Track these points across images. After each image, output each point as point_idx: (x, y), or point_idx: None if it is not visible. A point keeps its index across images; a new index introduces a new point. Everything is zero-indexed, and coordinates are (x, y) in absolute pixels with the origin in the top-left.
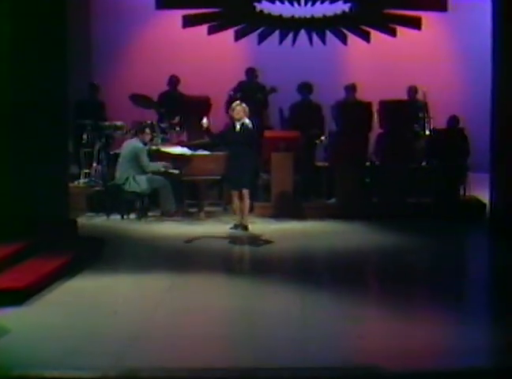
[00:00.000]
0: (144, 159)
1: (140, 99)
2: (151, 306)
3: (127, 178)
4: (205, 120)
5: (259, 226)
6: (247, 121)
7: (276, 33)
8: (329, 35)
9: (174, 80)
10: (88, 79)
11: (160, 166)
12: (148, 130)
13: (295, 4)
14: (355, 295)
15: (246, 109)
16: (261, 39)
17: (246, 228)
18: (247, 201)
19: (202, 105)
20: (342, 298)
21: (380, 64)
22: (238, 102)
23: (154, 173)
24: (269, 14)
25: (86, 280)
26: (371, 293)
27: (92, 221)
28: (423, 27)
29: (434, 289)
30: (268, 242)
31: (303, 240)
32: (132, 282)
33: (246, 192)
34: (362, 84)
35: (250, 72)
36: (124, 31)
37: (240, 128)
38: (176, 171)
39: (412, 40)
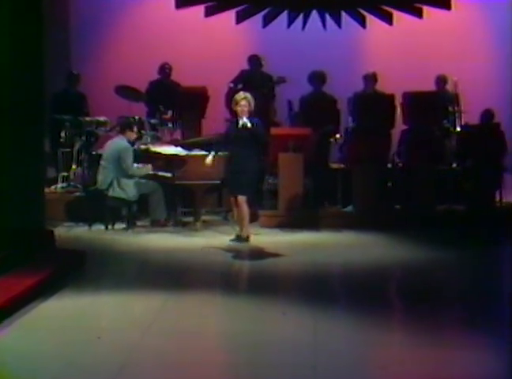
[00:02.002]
0: (128, 160)
1: (126, 91)
2: (139, 330)
3: (111, 183)
4: (208, 158)
5: (264, 237)
6: (246, 120)
7: (284, 15)
8: (345, 16)
9: (166, 69)
10: (66, 68)
11: (145, 170)
12: (135, 127)
13: None
14: (376, 318)
15: (252, 103)
16: (267, 21)
17: (246, 239)
18: (244, 209)
19: (199, 97)
20: (361, 322)
21: (404, 50)
22: (242, 94)
23: (142, 177)
24: None
25: (65, 301)
26: (395, 315)
27: (71, 232)
28: (453, 7)
29: (468, 310)
30: (274, 256)
31: (315, 254)
32: (118, 302)
33: (242, 199)
34: (383, 74)
35: (254, 60)
36: (108, 13)
37: (243, 124)
38: (168, 174)
39: (441, 22)
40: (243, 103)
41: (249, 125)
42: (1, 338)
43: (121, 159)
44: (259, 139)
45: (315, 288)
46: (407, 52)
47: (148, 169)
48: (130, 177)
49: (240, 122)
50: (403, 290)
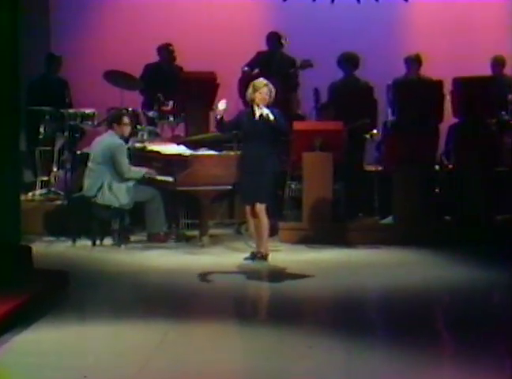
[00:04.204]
0: (123, 160)
1: (118, 77)
2: (134, 369)
3: (100, 188)
4: (222, 104)
5: (285, 255)
6: (266, 110)
7: None
8: None
9: (167, 50)
10: (45, 49)
11: (143, 172)
12: (128, 120)
13: None
14: (421, 353)
15: (273, 94)
16: None
17: (265, 258)
18: (264, 221)
19: (206, 84)
20: (403, 357)
21: (454, 27)
22: (263, 80)
23: (138, 181)
24: None
25: (44, 332)
26: (443, 349)
27: (51, 248)
28: None
29: None
30: (298, 277)
31: (346, 276)
32: (107, 334)
33: (261, 207)
34: (429, 55)
35: (274, 39)
36: None
37: (262, 115)
38: (169, 178)
39: None
40: (265, 90)
41: (271, 116)
42: None
43: (114, 159)
44: (282, 134)
45: (347, 317)
46: (457, 29)
47: (148, 172)
48: (126, 180)
49: (258, 112)
50: (453, 319)
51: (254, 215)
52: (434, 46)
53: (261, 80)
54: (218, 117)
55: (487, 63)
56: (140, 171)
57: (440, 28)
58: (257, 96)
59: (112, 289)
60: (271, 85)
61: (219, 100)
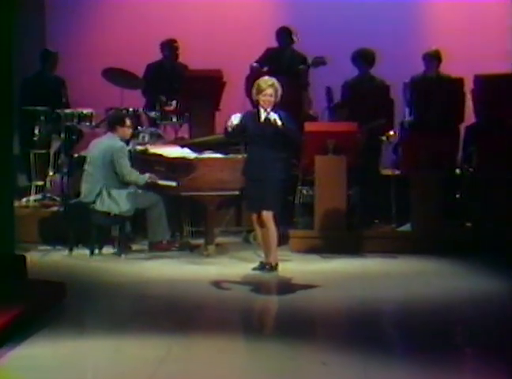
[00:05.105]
0: (124, 163)
1: (118, 75)
2: None
3: (99, 193)
4: (235, 118)
5: (296, 265)
6: (273, 115)
7: None
8: None
9: (171, 47)
10: (40, 45)
11: (146, 177)
12: (129, 121)
13: None
14: (441, 369)
15: (280, 92)
16: None
17: (274, 268)
18: (272, 229)
19: (211, 83)
20: (422, 375)
21: (474, 21)
22: (268, 79)
23: (140, 186)
24: None
25: (40, 347)
26: (466, 367)
27: (47, 258)
28: None
29: None
30: (310, 289)
31: (361, 287)
32: (107, 349)
33: (268, 215)
34: (449, 51)
35: (284, 34)
36: None
37: (268, 119)
38: (172, 183)
39: None
40: (269, 91)
41: (279, 122)
42: None
43: (115, 162)
44: (291, 140)
45: (363, 331)
46: (478, 23)
47: (150, 176)
48: (127, 184)
49: (263, 115)
50: (476, 333)
51: (261, 223)
52: (454, 42)
53: (266, 80)
54: (229, 129)
55: (504, 62)
56: (144, 177)
57: (461, 21)
58: (261, 99)
59: (112, 301)
60: (277, 84)
61: (226, 99)
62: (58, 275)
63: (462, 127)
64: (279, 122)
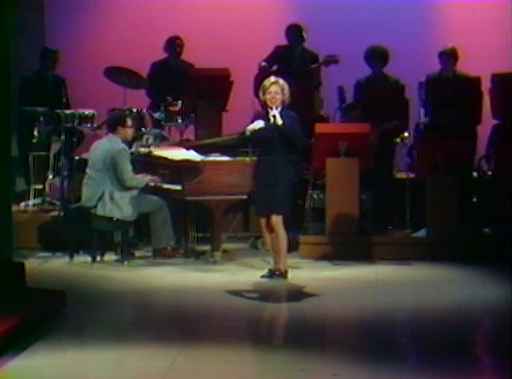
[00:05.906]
0: (125, 167)
1: (120, 74)
2: None
3: (101, 198)
4: (259, 124)
5: (306, 272)
6: (274, 112)
7: None
8: None
9: (176, 45)
10: (39, 43)
11: (146, 180)
12: (130, 121)
13: None
14: None
15: (287, 90)
16: None
17: (283, 275)
18: (282, 234)
19: (218, 83)
20: None
21: (494, 16)
22: (272, 78)
23: (142, 190)
24: None
25: (39, 358)
26: (480, 378)
27: (47, 265)
28: None
29: None
30: (320, 297)
31: (374, 295)
32: (109, 360)
33: (277, 220)
34: (466, 50)
35: (295, 31)
36: None
37: (275, 119)
38: (178, 187)
39: None
40: (273, 88)
41: (279, 121)
42: None
43: (116, 165)
44: (291, 141)
45: (375, 341)
46: (498, 19)
47: (152, 179)
48: (128, 189)
49: (271, 116)
50: (493, 344)
51: (270, 228)
52: (471, 39)
53: (269, 79)
54: (247, 133)
55: None
56: (143, 179)
57: (479, 17)
58: (267, 98)
59: (114, 310)
60: (282, 81)
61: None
62: (58, 283)
63: (480, 128)
64: (279, 121)
